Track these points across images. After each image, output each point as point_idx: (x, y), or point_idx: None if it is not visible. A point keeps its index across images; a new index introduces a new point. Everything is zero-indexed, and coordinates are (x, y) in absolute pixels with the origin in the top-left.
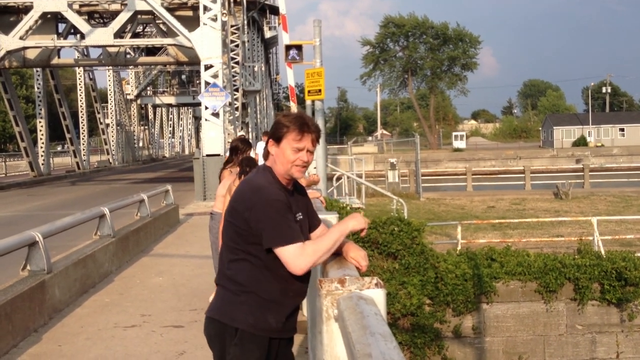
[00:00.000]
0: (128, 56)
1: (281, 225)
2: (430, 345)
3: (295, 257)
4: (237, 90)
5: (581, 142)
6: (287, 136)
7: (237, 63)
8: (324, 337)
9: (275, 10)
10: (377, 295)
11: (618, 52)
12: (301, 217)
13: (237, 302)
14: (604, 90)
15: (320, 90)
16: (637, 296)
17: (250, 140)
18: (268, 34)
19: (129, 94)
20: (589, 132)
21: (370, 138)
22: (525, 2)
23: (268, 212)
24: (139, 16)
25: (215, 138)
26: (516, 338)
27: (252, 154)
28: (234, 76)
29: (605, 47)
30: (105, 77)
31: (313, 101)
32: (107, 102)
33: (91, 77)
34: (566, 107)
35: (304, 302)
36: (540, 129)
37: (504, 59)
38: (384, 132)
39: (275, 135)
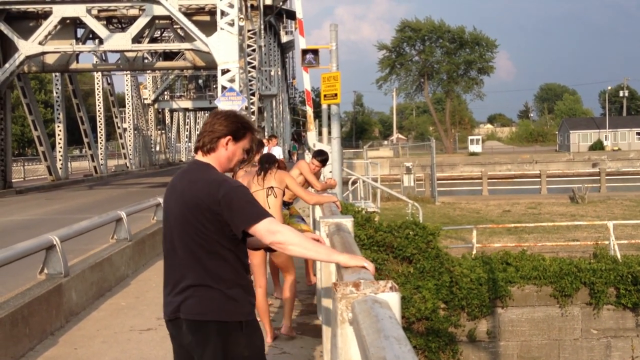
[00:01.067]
0: (146, 61)
1: (254, 204)
2: (445, 350)
3: (270, 226)
4: (253, 94)
5: (598, 146)
6: (246, 137)
7: (253, 67)
8: (338, 340)
9: (291, 15)
10: (392, 299)
11: (635, 55)
12: None
13: (229, 297)
14: (620, 94)
15: (336, 95)
16: None
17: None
18: (284, 39)
19: (147, 99)
20: (605, 136)
21: (385, 142)
22: (541, 5)
23: (241, 195)
24: (157, 21)
25: (266, 140)
26: (531, 342)
27: None
28: (250, 80)
29: (622, 51)
30: (123, 82)
31: (329, 105)
32: (124, 106)
33: (109, 81)
34: (583, 111)
35: (319, 306)
36: (556, 132)
37: (520, 63)
38: (400, 136)
39: (237, 134)
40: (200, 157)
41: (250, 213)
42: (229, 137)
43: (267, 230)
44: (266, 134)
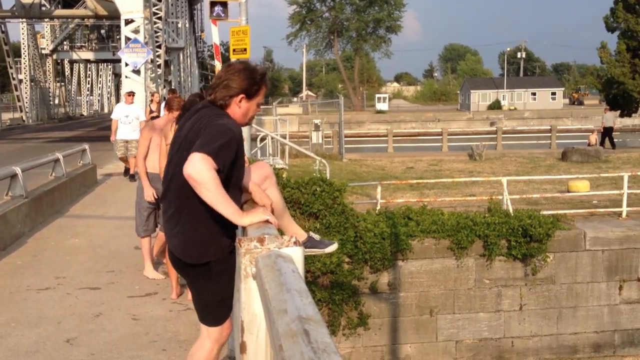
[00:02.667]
0: (43, 8)
1: (220, 145)
2: (348, 302)
3: (199, 162)
4: (159, 47)
5: (496, 106)
6: (259, 94)
7: (159, 18)
8: (241, 294)
9: None
10: (296, 253)
11: (533, 18)
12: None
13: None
14: (518, 55)
15: (245, 49)
16: (541, 252)
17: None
18: None
19: (44, 49)
20: (503, 95)
21: (295, 99)
22: None
23: (219, 133)
24: None
25: (135, 96)
26: (428, 293)
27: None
28: (156, 32)
29: (521, 14)
30: (18, 30)
31: (238, 60)
32: (20, 56)
33: (3, 30)
34: (483, 71)
35: None
36: (458, 92)
37: (426, 23)
38: (309, 93)
39: (249, 91)
40: None
41: (205, 143)
42: (242, 96)
43: (195, 161)
44: (173, 87)
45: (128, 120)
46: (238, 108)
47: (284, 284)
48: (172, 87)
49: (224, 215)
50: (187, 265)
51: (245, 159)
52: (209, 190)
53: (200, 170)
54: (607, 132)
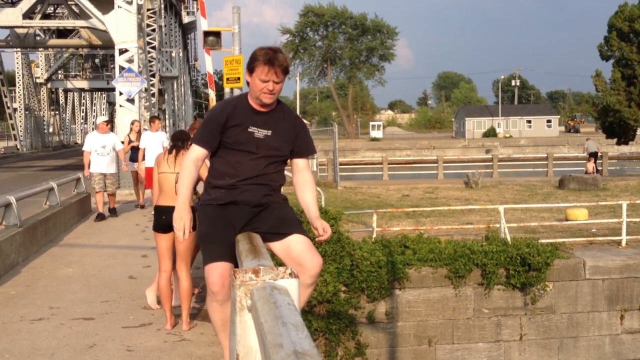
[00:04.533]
0: (38, 38)
1: (199, 129)
2: (345, 331)
3: (187, 154)
4: (153, 76)
5: (491, 133)
6: (257, 69)
7: (153, 48)
8: (237, 327)
9: None
10: (291, 285)
11: (527, 46)
12: (269, 133)
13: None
14: (513, 83)
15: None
16: (540, 281)
17: (167, 127)
18: (186, 19)
19: (39, 78)
20: (498, 123)
21: None
22: None
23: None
24: None
25: (129, 124)
26: (427, 322)
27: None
28: (150, 61)
29: (514, 42)
30: (13, 59)
31: (232, 89)
32: (14, 85)
33: None
34: (478, 99)
35: None
36: (453, 119)
37: (419, 51)
38: (304, 121)
39: (249, 66)
40: None
41: (195, 134)
42: (246, 71)
43: (186, 154)
44: (167, 116)
45: (105, 152)
46: (248, 84)
47: (280, 317)
48: (155, 114)
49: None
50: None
51: None
52: (180, 177)
53: (184, 161)
54: (591, 159)
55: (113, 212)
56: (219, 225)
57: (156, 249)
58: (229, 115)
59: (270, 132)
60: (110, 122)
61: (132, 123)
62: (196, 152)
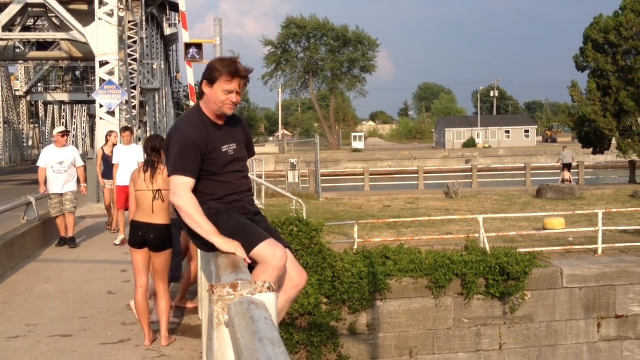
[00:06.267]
0: (17, 50)
1: (179, 158)
2: (327, 344)
3: (175, 188)
4: (134, 88)
5: (470, 144)
6: (220, 80)
7: (134, 60)
8: (214, 343)
9: (175, 7)
10: (269, 300)
11: (505, 58)
12: (233, 147)
13: None
14: (492, 94)
15: None
16: (518, 290)
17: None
18: (168, 31)
19: (18, 90)
20: (477, 133)
21: (271, 138)
22: (419, 9)
23: (175, 146)
24: (30, 9)
25: (105, 136)
26: (408, 333)
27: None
28: (131, 74)
29: (494, 54)
30: None
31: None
32: None
33: None
34: (457, 109)
35: (201, 306)
36: (433, 130)
37: (399, 63)
38: (286, 132)
39: (210, 77)
40: None
41: (170, 165)
42: (204, 81)
43: (173, 188)
44: (148, 129)
45: (63, 168)
46: (205, 95)
47: (256, 333)
48: (127, 125)
49: (200, 234)
50: None
51: None
52: (186, 214)
53: (177, 196)
54: (565, 169)
55: (71, 241)
56: (240, 218)
57: (132, 265)
58: (207, 138)
59: (235, 144)
60: (68, 134)
61: (109, 134)
62: (188, 184)
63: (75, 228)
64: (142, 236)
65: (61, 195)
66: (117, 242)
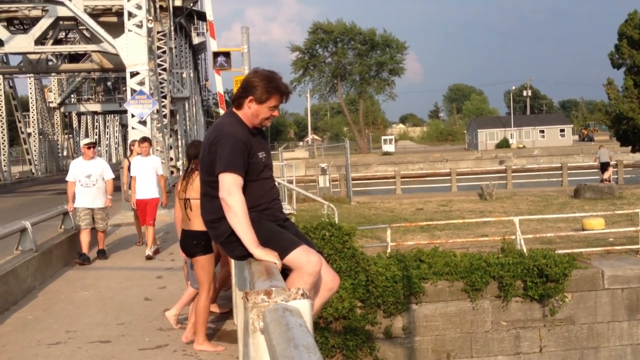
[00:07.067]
0: (50, 63)
1: (232, 155)
2: (362, 347)
3: (230, 186)
4: (164, 97)
5: (504, 144)
6: (272, 98)
7: (164, 70)
8: (250, 350)
9: (202, 16)
10: (303, 306)
11: (537, 56)
12: (264, 155)
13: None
14: (524, 93)
15: None
16: (558, 292)
17: (179, 148)
18: (196, 40)
19: (52, 102)
20: (511, 134)
21: (301, 143)
22: (446, 10)
23: (225, 145)
24: (61, 22)
25: (130, 145)
26: (444, 336)
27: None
28: (161, 83)
29: (524, 53)
30: (26, 85)
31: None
32: (28, 110)
33: (11, 85)
34: (489, 110)
35: (235, 312)
36: (465, 131)
37: (428, 65)
38: (315, 137)
39: (260, 98)
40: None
41: (222, 162)
42: (250, 98)
43: (225, 185)
44: (179, 137)
45: (91, 182)
46: (248, 109)
47: (292, 340)
48: (145, 136)
49: (242, 240)
50: None
51: None
52: (235, 214)
53: (232, 195)
54: (603, 168)
55: (102, 254)
56: (272, 226)
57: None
58: (250, 142)
59: (264, 152)
60: (95, 145)
61: (133, 144)
62: (240, 183)
63: (90, 250)
64: (182, 243)
65: (91, 209)
66: (150, 252)
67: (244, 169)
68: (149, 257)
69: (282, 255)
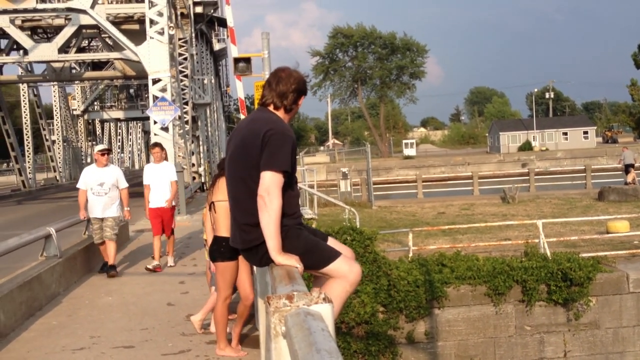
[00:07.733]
0: (73, 71)
1: (288, 154)
2: (385, 352)
3: (274, 187)
4: (186, 103)
5: (526, 147)
6: (301, 99)
7: (186, 76)
8: (272, 354)
9: (223, 23)
10: (325, 311)
11: (559, 58)
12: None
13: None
14: (547, 95)
15: None
16: (582, 296)
17: (201, 154)
18: (217, 46)
19: (76, 110)
20: (533, 136)
21: (322, 148)
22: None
23: (281, 142)
24: (84, 30)
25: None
26: (467, 341)
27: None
28: (183, 89)
29: (546, 54)
30: (50, 93)
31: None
32: (52, 118)
33: (35, 93)
34: (511, 113)
35: (257, 317)
36: (487, 134)
37: (448, 68)
38: (336, 141)
39: (297, 97)
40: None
41: (274, 159)
42: (301, 96)
43: (268, 184)
44: (201, 143)
45: (103, 190)
46: (296, 107)
47: (314, 344)
48: (155, 142)
49: (267, 242)
50: None
51: None
52: (270, 216)
53: (273, 196)
54: (627, 170)
55: (111, 269)
56: (308, 236)
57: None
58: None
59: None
60: (110, 152)
61: (151, 148)
62: (281, 183)
63: (116, 256)
64: (209, 248)
65: (102, 220)
66: (172, 263)
67: (290, 171)
68: (170, 266)
69: (325, 264)
